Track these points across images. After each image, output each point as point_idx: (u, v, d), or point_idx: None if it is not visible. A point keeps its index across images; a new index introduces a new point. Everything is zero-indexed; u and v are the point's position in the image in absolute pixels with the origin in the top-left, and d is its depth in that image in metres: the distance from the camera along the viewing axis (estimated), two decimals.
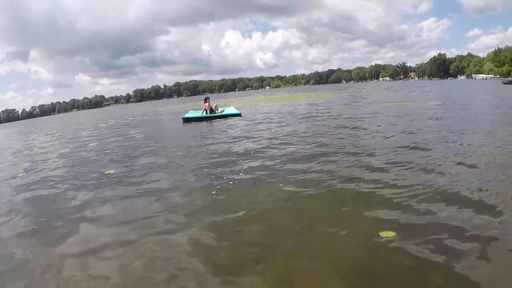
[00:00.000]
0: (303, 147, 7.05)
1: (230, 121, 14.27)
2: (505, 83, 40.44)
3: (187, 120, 15.83)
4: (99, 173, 6.45)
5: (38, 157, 9.94)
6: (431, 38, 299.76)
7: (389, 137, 7.45)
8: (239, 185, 4.79)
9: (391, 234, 2.92)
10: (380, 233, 2.94)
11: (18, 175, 7.34)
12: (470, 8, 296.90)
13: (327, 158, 5.86)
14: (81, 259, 3.04)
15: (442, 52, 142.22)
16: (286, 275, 2.51)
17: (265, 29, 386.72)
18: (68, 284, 2.65)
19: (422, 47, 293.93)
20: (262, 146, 7.67)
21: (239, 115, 16.00)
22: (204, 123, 14.41)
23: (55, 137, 16.77)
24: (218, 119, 15.28)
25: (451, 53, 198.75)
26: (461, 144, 6.21)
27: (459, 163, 4.92)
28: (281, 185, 4.58)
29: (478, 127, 7.91)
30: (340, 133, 8.54)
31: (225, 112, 16.61)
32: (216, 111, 16.30)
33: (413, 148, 6.13)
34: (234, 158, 6.55)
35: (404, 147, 6.29)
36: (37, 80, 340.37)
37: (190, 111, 19.01)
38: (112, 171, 6.48)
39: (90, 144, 11.41)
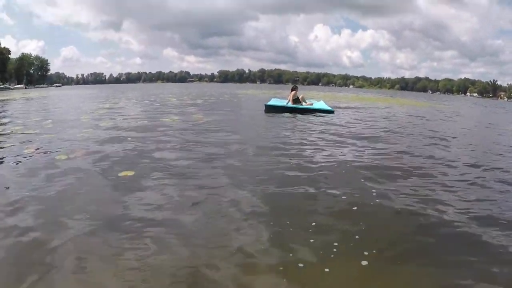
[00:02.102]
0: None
1: (320, 118, 11.69)
2: None
3: (270, 108, 13.58)
4: (109, 175, 4.36)
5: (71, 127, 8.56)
6: None
7: None
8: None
9: None
10: None
11: (25, 150, 5.78)
12: None
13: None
14: None
15: None
16: None
17: (355, 27, 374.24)
18: None
19: None
20: (366, 163, 5.27)
21: (331, 112, 13.39)
22: (289, 116, 12.04)
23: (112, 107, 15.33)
24: (306, 113, 12.81)
25: None
26: None
27: None
28: None
29: None
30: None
31: (315, 106, 14.16)
32: (303, 103, 13.96)
33: None
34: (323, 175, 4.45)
35: None
36: (126, 50, 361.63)
37: (272, 99, 16.77)
38: (129, 173, 4.37)
39: (138, 122, 9.52)
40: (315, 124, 9.87)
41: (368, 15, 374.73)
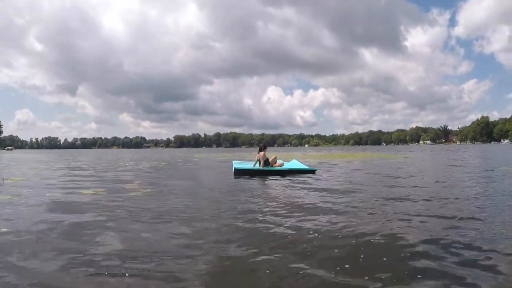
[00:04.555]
0: None
1: (301, 182, 8.98)
2: None
3: (240, 172, 11.14)
4: None
5: None
6: (472, 100, 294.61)
7: None
8: None
9: None
10: None
11: None
12: (511, 69, 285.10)
13: None
14: None
15: (484, 115, 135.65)
16: None
17: (306, 87, 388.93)
18: None
19: (463, 110, 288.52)
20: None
21: (312, 171, 11.10)
22: (259, 180, 9.54)
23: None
24: (283, 175, 10.44)
25: (493, 115, 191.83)
26: None
27: None
28: None
29: None
30: None
31: (292, 166, 11.92)
32: (274, 165, 11.59)
33: None
34: None
35: None
36: (82, 114, 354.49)
37: (234, 161, 14.25)
38: None
39: (47, 194, 6.60)
40: (306, 192, 7.02)
41: (319, 74, 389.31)
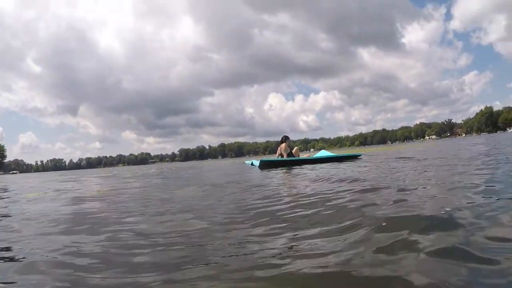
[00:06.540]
0: None
1: (337, 168, 7.30)
2: None
3: (267, 164, 9.67)
4: None
5: None
6: (473, 92, 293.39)
7: None
8: None
9: None
10: None
11: None
12: (510, 58, 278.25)
13: None
14: None
15: (487, 106, 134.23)
16: None
17: (307, 92, 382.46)
18: None
19: (465, 102, 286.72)
20: None
21: (355, 157, 10.19)
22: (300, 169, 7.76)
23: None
24: (309, 165, 9.16)
25: (496, 106, 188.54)
26: None
27: None
28: None
29: None
30: None
31: (328, 155, 10.76)
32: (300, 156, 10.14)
33: None
34: None
35: None
36: (85, 134, 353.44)
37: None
38: None
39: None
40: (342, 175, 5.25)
41: (318, 77, 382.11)
